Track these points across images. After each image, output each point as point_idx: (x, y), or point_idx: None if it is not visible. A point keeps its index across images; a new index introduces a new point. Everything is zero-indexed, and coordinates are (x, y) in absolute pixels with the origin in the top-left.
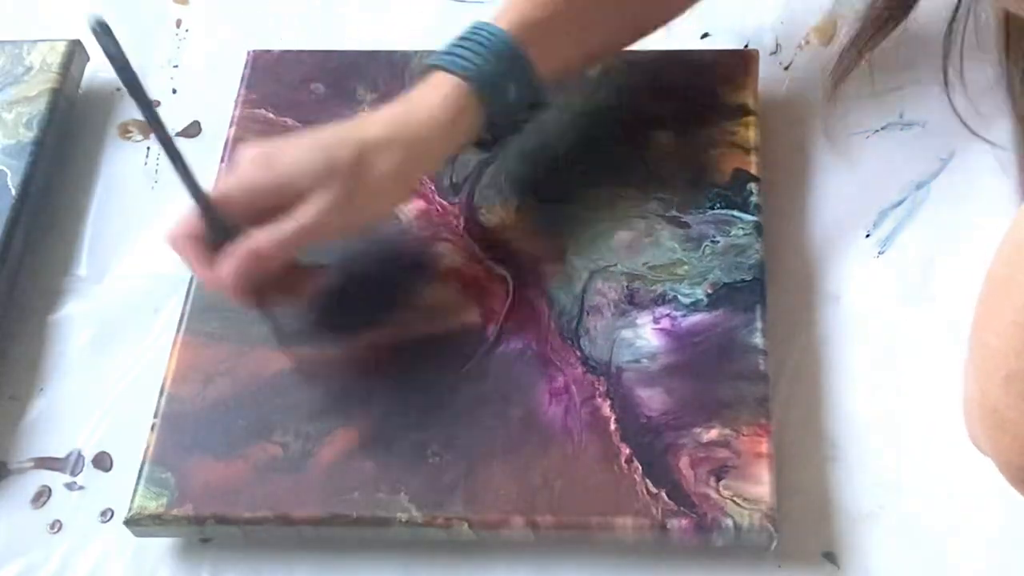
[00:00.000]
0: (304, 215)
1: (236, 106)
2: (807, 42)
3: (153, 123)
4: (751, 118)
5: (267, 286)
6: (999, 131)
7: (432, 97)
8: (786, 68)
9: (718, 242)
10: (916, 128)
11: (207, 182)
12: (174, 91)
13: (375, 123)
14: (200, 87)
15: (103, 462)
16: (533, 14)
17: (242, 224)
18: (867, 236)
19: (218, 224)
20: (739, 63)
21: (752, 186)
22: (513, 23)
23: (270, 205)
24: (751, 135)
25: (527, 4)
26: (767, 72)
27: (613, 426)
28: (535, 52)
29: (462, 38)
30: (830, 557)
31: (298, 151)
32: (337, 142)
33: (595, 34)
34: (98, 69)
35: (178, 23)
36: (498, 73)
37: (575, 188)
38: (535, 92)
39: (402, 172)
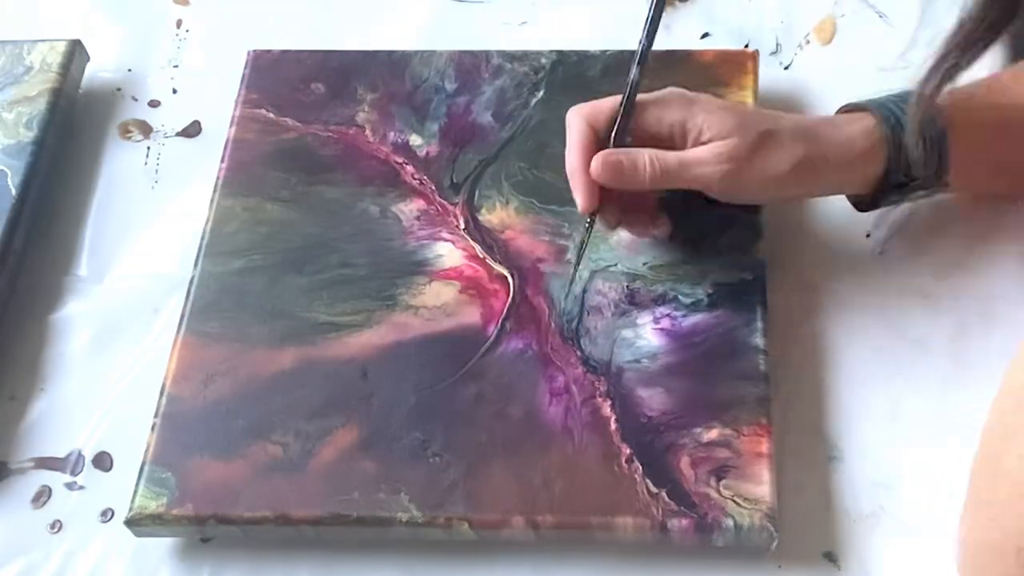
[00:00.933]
0: (697, 153)
1: (236, 106)
2: (807, 42)
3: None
4: None
5: (615, 205)
6: None
7: (846, 123)
8: (786, 68)
9: (719, 242)
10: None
11: (210, 179)
12: (174, 91)
13: (791, 119)
14: (200, 87)
15: (103, 462)
16: (968, 104)
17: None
18: (867, 236)
19: (621, 131)
20: (739, 63)
21: None
22: (946, 101)
23: (666, 134)
24: None
25: (964, 94)
26: (767, 72)
27: (613, 426)
28: (955, 135)
29: (898, 94)
30: (830, 557)
31: (716, 104)
32: (755, 114)
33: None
34: (98, 69)
35: (178, 23)
36: (912, 132)
37: None
38: (939, 169)
39: (795, 169)
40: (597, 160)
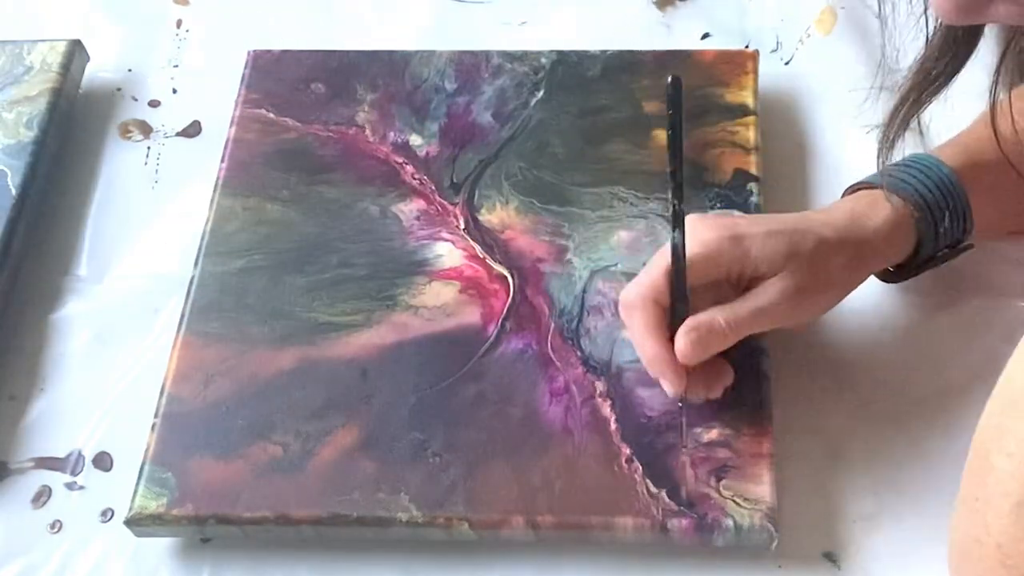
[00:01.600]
0: (762, 298)
1: (236, 106)
2: (808, 35)
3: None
4: (751, 118)
5: (695, 374)
6: None
7: (874, 213)
8: (787, 63)
9: None
10: (916, 129)
11: (210, 179)
12: (174, 91)
13: (827, 224)
14: (200, 87)
15: (103, 462)
16: (979, 159)
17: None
18: None
19: (680, 292)
20: (739, 63)
21: (752, 186)
22: (959, 163)
23: (724, 277)
24: (751, 135)
25: (973, 149)
26: (768, 71)
27: (613, 426)
28: (974, 196)
29: (905, 165)
30: (830, 557)
31: (763, 232)
32: (799, 233)
33: None
34: (98, 69)
35: (178, 23)
36: (935, 202)
37: (575, 188)
38: (964, 231)
39: (850, 270)
40: (683, 340)
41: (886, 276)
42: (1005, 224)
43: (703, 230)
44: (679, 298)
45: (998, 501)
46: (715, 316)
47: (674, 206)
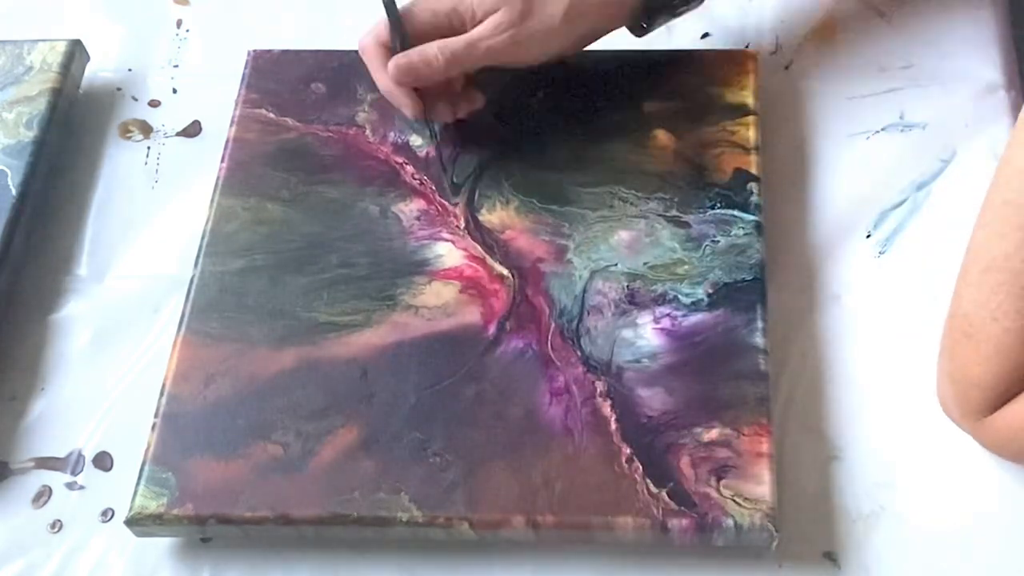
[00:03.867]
0: (477, 31)
1: (236, 106)
2: (808, 41)
3: None
4: (751, 118)
5: (431, 98)
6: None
7: None
8: (786, 67)
9: (719, 242)
10: (916, 129)
11: (210, 179)
12: (174, 91)
13: None
14: (200, 87)
15: (103, 462)
16: None
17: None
18: (867, 236)
19: (404, 38)
20: (739, 63)
21: (753, 186)
22: None
23: (446, 25)
24: (751, 135)
25: None
26: (767, 72)
27: (614, 426)
28: None
29: None
30: (830, 557)
31: None
32: None
33: None
34: (98, 69)
35: (178, 23)
36: None
37: (575, 188)
38: None
39: (568, 16)
40: (391, 66)
41: (634, 29)
42: None
43: None
44: (396, 36)
45: (969, 268)
46: (429, 45)
47: None
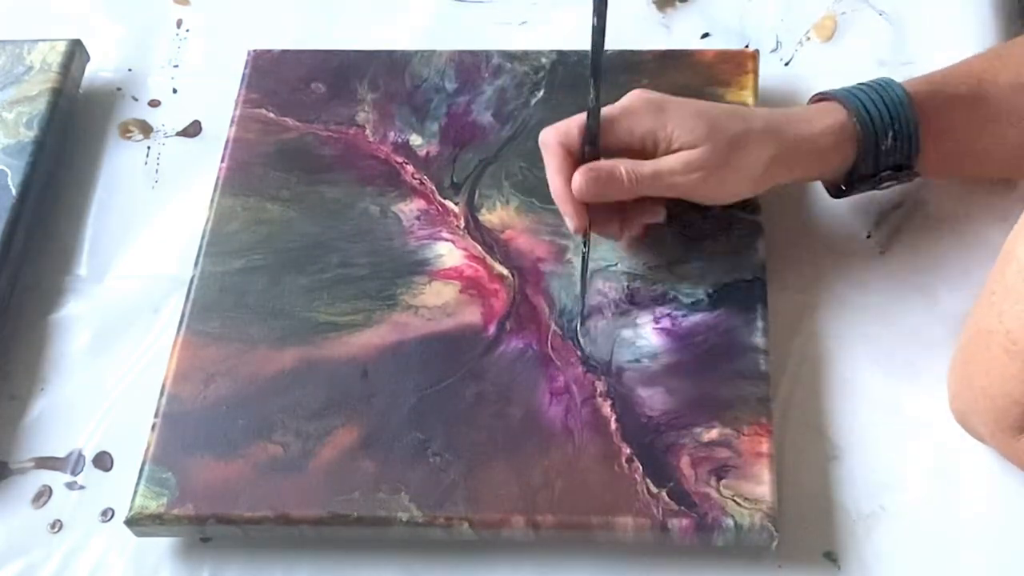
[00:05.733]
0: (669, 163)
1: (236, 106)
2: (808, 39)
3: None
4: None
5: (599, 217)
6: None
7: (817, 117)
8: (787, 64)
9: (719, 242)
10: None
11: (210, 179)
12: (174, 91)
13: (761, 116)
14: (200, 87)
15: (103, 462)
16: (940, 92)
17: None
18: (867, 236)
19: (593, 142)
20: (739, 63)
21: None
22: (921, 89)
23: (641, 145)
24: None
25: (937, 82)
26: (767, 70)
27: (614, 426)
28: (925, 124)
29: (865, 84)
30: (830, 557)
31: (686, 112)
32: (724, 118)
33: (989, 143)
34: (98, 69)
35: (178, 23)
36: (881, 117)
37: None
38: (909, 156)
39: (768, 167)
40: (576, 178)
41: (832, 191)
42: (954, 165)
43: (634, 95)
44: (589, 141)
45: (1016, 285)
46: (617, 163)
47: (592, 56)
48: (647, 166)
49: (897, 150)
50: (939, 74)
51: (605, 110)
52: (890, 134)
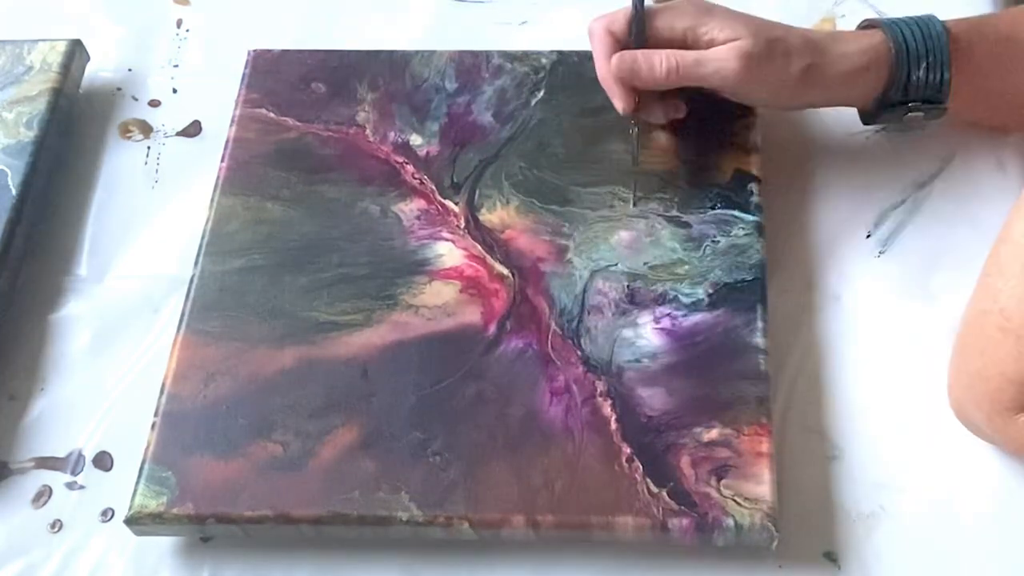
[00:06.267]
0: (710, 53)
1: (236, 106)
2: None
3: None
4: (752, 118)
5: (645, 97)
6: None
7: (854, 38)
8: None
9: (719, 242)
10: (916, 129)
11: (210, 179)
12: (174, 91)
13: (800, 31)
14: (200, 87)
15: (103, 461)
16: (977, 31)
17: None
18: (868, 236)
19: (640, 32)
20: None
21: (753, 186)
22: (960, 28)
23: (680, 38)
24: (751, 135)
25: (975, 23)
26: None
27: (614, 425)
28: (959, 62)
29: (910, 17)
30: (830, 557)
31: (731, 14)
32: (766, 23)
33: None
34: (98, 69)
35: (178, 23)
36: (916, 49)
37: (575, 188)
38: (939, 90)
39: (802, 76)
40: (614, 60)
41: (863, 116)
42: (984, 108)
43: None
44: (636, 32)
45: (1010, 263)
46: (657, 51)
47: None
48: (690, 53)
49: (928, 82)
50: (980, 17)
51: (649, 4)
52: (923, 65)
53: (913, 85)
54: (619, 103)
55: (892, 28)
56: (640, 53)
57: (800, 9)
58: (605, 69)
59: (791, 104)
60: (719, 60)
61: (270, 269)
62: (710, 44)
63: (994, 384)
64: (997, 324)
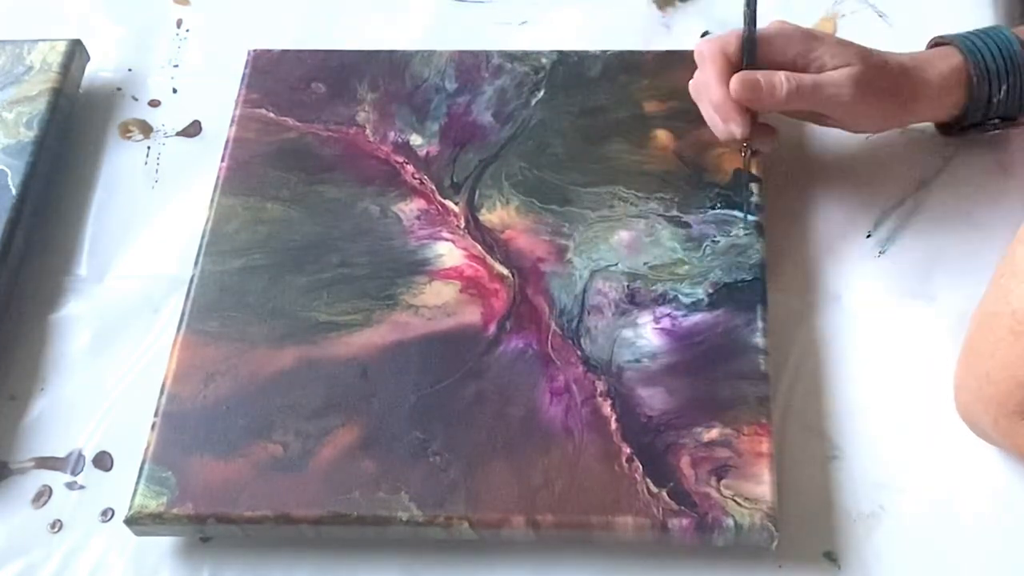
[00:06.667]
0: (827, 78)
1: (236, 106)
2: None
3: None
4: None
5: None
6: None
7: (938, 61)
8: None
9: (719, 242)
10: (916, 128)
11: (210, 179)
12: (174, 91)
13: (891, 57)
14: (200, 87)
15: (103, 461)
16: None
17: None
18: (867, 236)
19: (752, 54)
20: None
21: (753, 186)
22: None
23: (790, 62)
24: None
25: None
26: None
27: (614, 425)
28: None
29: (982, 30)
30: (830, 557)
31: (835, 38)
32: (869, 50)
33: None
34: (98, 69)
35: (178, 23)
36: (996, 71)
37: (575, 188)
38: (1019, 109)
39: (900, 102)
40: (736, 80)
41: (941, 127)
42: None
43: (780, 23)
44: (747, 50)
45: (1023, 268)
46: (776, 72)
47: None
48: (808, 76)
49: (1009, 103)
50: None
51: (759, 29)
52: (1004, 88)
53: (994, 106)
54: (737, 127)
55: (970, 49)
56: (761, 74)
57: (800, 8)
58: (723, 92)
59: (885, 127)
60: (836, 85)
61: (270, 269)
62: (820, 70)
63: (1003, 387)
64: (1009, 326)
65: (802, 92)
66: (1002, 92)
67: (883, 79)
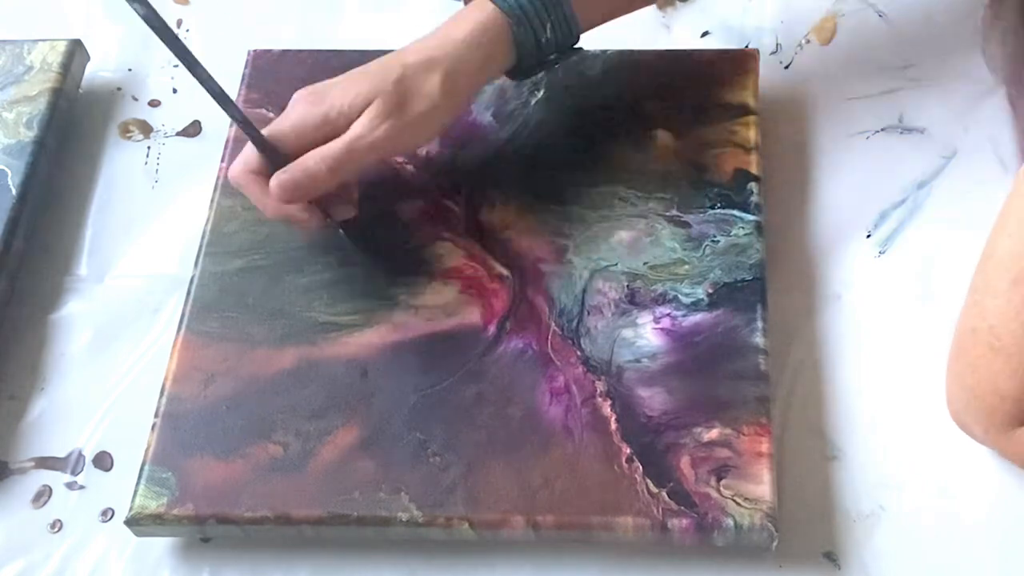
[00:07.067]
0: (352, 134)
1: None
2: (807, 41)
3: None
4: (751, 118)
5: (330, 203)
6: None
7: (469, 24)
8: (786, 67)
9: (719, 241)
10: (916, 129)
11: (210, 179)
12: (174, 91)
13: (415, 49)
14: (200, 87)
15: (103, 462)
16: None
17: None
18: (868, 236)
19: (278, 161)
20: (739, 63)
21: (753, 186)
22: None
23: (322, 137)
24: (751, 135)
25: None
26: (767, 72)
27: (614, 426)
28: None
29: None
30: (830, 557)
31: (345, 82)
32: (380, 69)
33: None
34: (98, 69)
35: (178, 23)
36: (535, 13)
37: (575, 188)
38: (568, 35)
39: (443, 91)
40: (275, 188)
41: (511, 75)
42: (607, 16)
43: (295, 96)
44: (265, 152)
45: (996, 281)
46: (307, 157)
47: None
48: (336, 144)
49: (557, 38)
50: None
51: (274, 124)
52: (548, 26)
53: (544, 47)
54: (308, 224)
55: (505, 4)
56: (294, 167)
57: (800, 8)
58: (273, 206)
59: (450, 120)
60: (364, 135)
61: (270, 269)
62: (349, 121)
63: (988, 401)
64: (987, 342)
65: (340, 162)
66: (548, 30)
67: (411, 93)
